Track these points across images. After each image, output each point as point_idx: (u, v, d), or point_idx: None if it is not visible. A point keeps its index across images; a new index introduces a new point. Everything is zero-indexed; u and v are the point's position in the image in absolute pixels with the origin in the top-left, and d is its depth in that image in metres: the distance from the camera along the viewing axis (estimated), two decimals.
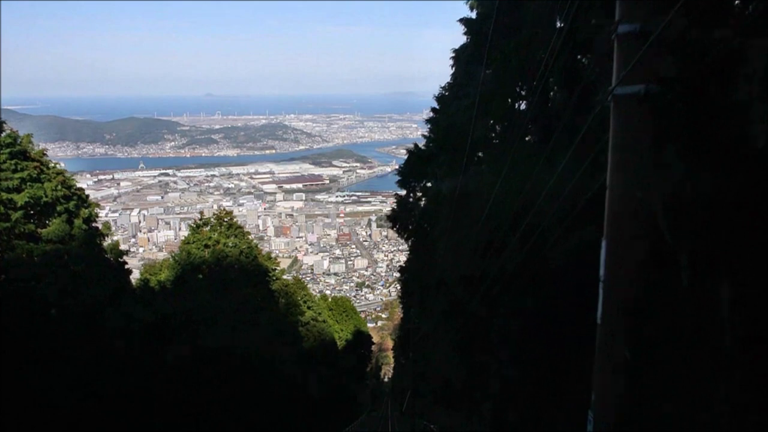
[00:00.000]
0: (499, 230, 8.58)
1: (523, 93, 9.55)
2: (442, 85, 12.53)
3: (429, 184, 12.18)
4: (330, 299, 44.42)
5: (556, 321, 7.40)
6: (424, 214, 12.70)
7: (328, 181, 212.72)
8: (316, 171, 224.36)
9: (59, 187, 11.51)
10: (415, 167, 13.17)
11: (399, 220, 14.00)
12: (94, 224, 13.63)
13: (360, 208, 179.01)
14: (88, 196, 13.40)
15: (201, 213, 18.14)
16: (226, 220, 17.97)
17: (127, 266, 14.34)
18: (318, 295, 45.73)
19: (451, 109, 10.61)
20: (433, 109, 12.56)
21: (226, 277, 17.13)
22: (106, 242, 13.87)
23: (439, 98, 12.20)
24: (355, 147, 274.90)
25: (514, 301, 8.33)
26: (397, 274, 32.44)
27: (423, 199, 13.58)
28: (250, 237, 18.80)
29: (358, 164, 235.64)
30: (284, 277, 25.91)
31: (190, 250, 17.00)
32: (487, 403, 18.09)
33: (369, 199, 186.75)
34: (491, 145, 9.07)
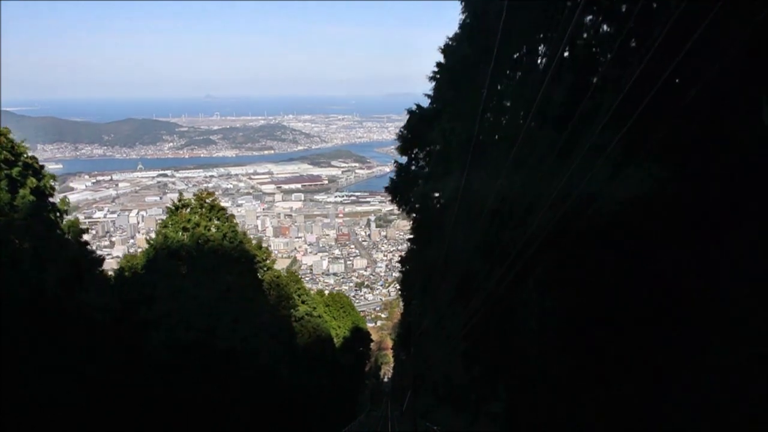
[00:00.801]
0: (528, 185, 6.83)
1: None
2: (449, 35, 10.83)
3: (437, 148, 10.42)
4: (327, 295, 42.41)
5: (605, 292, 5.65)
6: (429, 181, 10.92)
7: (326, 182, 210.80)
8: (315, 171, 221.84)
9: None
10: (417, 130, 11.40)
11: (399, 191, 12.15)
12: (50, 199, 11.91)
13: (359, 208, 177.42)
14: (42, 167, 11.65)
15: (180, 194, 16.35)
16: (207, 201, 16.18)
17: (89, 246, 12.56)
18: (314, 291, 43.83)
19: (461, 51, 8.89)
20: (438, 64, 10.84)
21: (207, 264, 15.35)
22: (65, 220, 12.13)
23: (445, 48, 10.42)
24: (354, 147, 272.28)
25: (552, 270, 6.61)
26: (398, 274, 30.66)
27: (427, 167, 11.77)
28: (234, 221, 17.03)
29: (356, 164, 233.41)
30: (276, 268, 24.19)
31: (167, 234, 15.23)
32: (500, 402, 16.33)
33: (368, 199, 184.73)
34: (514, 84, 7.36)
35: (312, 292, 35.54)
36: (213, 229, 16.16)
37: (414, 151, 12.01)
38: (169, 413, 12.95)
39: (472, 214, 8.75)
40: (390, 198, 12.64)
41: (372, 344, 48.94)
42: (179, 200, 16.11)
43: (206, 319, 13.99)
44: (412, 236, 14.19)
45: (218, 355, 14.21)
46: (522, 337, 9.41)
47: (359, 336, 39.95)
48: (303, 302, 27.92)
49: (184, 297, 13.95)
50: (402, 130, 12.23)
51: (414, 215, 12.41)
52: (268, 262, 21.87)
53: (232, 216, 16.98)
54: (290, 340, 23.02)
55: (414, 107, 11.84)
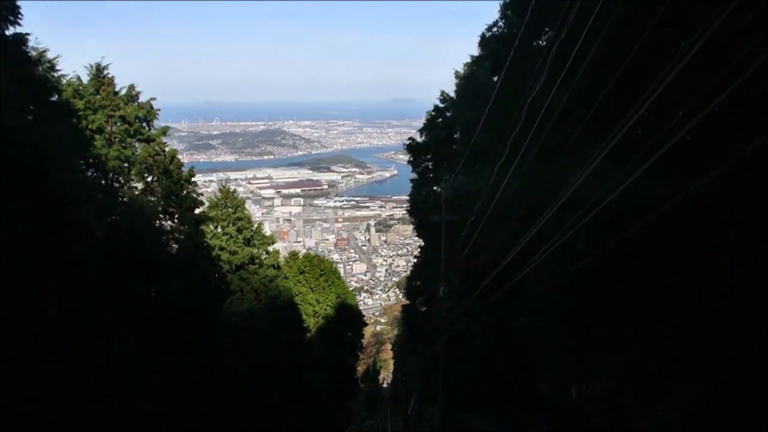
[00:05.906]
0: None
1: None
2: None
3: None
4: (301, 257, 30.35)
5: None
6: None
7: (326, 186, 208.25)
8: (315, 176, 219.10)
9: None
10: None
11: None
12: None
13: (359, 213, 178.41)
14: None
15: None
16: None
17: None
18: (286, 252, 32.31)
19: None
20: None
21: None
22: None
23: None
24: (354, 152, 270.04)
25: None
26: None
27: None
28: None
29: (356, 169, 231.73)
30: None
31: None
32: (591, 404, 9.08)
33: (368, 204, 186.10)
34: None
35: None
36: None
37: None
38: None
39: None
40: None
41: (371, 342, 38.31)
42: None
43: None
44: None
45: None
46: None
47: (347, 316, 28.53)
48: (249, 242, 17.51)
49: None
50: None
51: None
52: (153, 132, 11.74)
53: None
54: (205, 295, 12.61)
55: None
